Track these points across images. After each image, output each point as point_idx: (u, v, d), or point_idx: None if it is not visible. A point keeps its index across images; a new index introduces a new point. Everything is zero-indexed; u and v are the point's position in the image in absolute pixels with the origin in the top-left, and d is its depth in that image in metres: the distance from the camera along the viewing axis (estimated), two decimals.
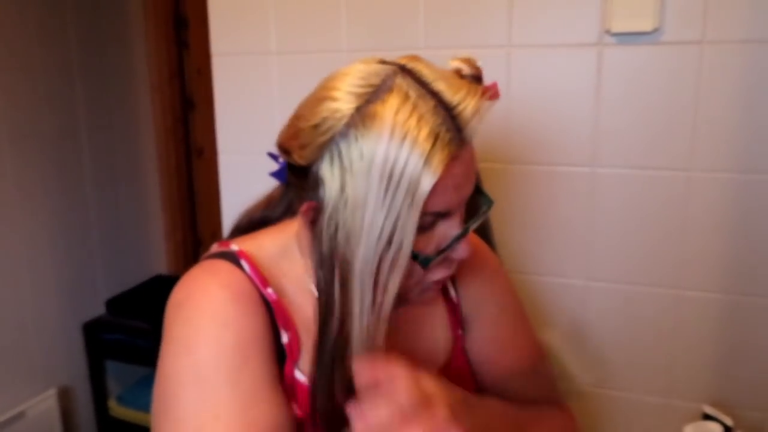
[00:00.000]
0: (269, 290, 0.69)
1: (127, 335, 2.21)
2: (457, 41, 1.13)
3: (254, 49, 1.27)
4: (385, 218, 0.59)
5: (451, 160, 0.60)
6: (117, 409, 2.29)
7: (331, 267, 0.63)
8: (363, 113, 0.60)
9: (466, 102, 0.60)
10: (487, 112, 0.61)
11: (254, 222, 0.79)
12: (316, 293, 0.66)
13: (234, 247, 0.72)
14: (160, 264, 2.57)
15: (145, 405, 2.26)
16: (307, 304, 0.71)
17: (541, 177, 1.13)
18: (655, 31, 1.02)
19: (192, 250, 2.59)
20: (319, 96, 0.63)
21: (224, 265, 0.69)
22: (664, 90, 1.05)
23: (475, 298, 0.83)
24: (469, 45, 1.12)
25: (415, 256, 0.62)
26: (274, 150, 0.71)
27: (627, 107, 1.07)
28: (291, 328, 0.69)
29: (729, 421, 1.05)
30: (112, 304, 2.28)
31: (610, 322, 1.16)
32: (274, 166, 0.72)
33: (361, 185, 0.59)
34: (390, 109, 0.59)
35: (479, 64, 0.66)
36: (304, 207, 0.64)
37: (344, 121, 0.60)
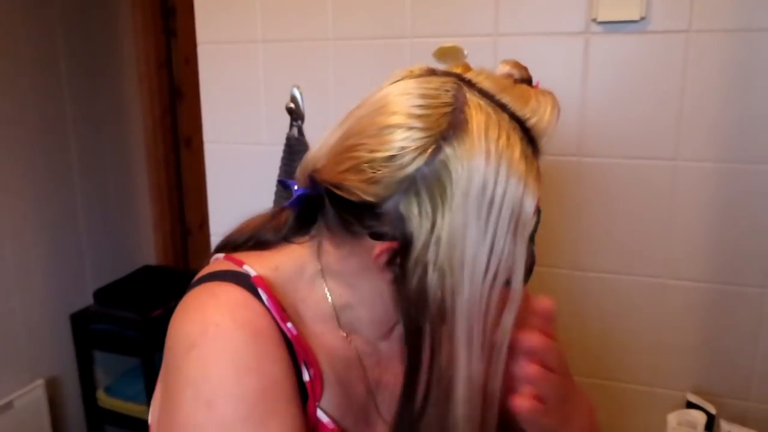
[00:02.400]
0: (289, 325, 0.61)
1: (115, 325, 2.20)
2: (444, 30, 1.12)
3: (240, 37, 1.26)
4: (491, 251, 0.54)
5: (538, 178, 0.56)
6: (105, 400, 2.29)
7: (423, 311, 0.56)
8: (449, 138, 0.53)
9: (539, 113, 0.57)
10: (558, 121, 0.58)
11: (254, 241, 0.69)
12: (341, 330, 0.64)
13: (249, 270, 0.63)
14: (148, 254, 2.56)
15: (133, 395, 2.26)
16: (328, 332, 0.65)
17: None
18: (642, 20, 1.02)
19: (180, 240, 2.58)
20: (382, 122, 0.56)
21: (239, 295, 0.60)
22: (650, 79, 1.05)
23: None
24: (456, 33, 1.12)
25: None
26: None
27: (613, 96, 1.07)
28: (313, 364, 0.62)
29: (712, 409, 1.06)
30: (100, 294, 2.27)
31: (595, 311, 1.16)
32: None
33: (458, 219, 0.53)
34: (478, 130, 0.53)
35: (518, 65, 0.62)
36: (378, 249, 0.57)
37: (429, 150, 0.53)
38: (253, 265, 0.63)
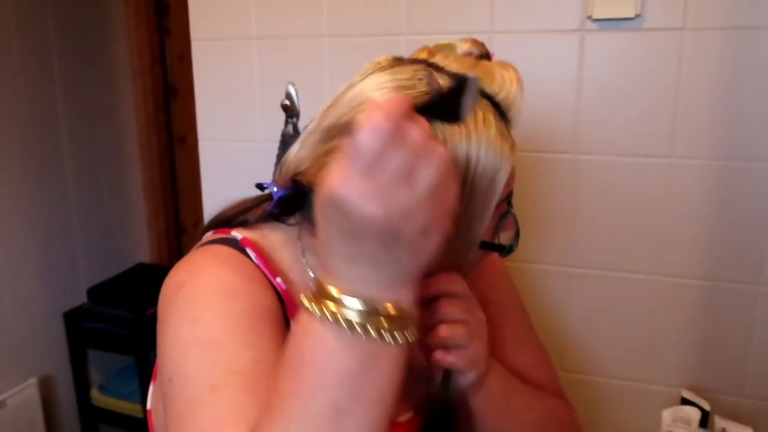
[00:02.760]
0: (278, 279, 0.63)
1: (109, 324, 2.19)
2: (439, 27, 1.12)
3: (234, 34, 1.26)
4: (462, 217, 0.57)
5: (513, 148, 0.59)
6: (99, 398, 2.28)
7: None
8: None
9: (506, 88, 0.59)
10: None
11: (241, 219, 0.70)
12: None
13: (236, 234, 0.65)
14: (142, 252, 2.55)
15: (127, 394, 2.25)
16: None
17: (523, 163, 1.13)
18: (637, 17, 1.02)
19: (174, 238, 2.57)
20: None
21: (228, 250, 0.63)
22: (645, 76, 1.05)
23: (479, 297, 0.79)
24: (452, 31, 1.11)
25: (488, 245, 0.62)
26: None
27: (608, 93, 1.07)
28: None
29: (706, 406, 1.06)
30: (94, 292, 2.26)
31: (590, 307, 1.16)
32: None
33: None
34: None
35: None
36: None
37: None
38: (240, 232, 0.66)
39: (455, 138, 0.56)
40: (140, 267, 2.48)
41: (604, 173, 1.10)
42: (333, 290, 0.44)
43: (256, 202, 0.71)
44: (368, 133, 0.40)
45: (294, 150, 0.63)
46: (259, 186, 0.69)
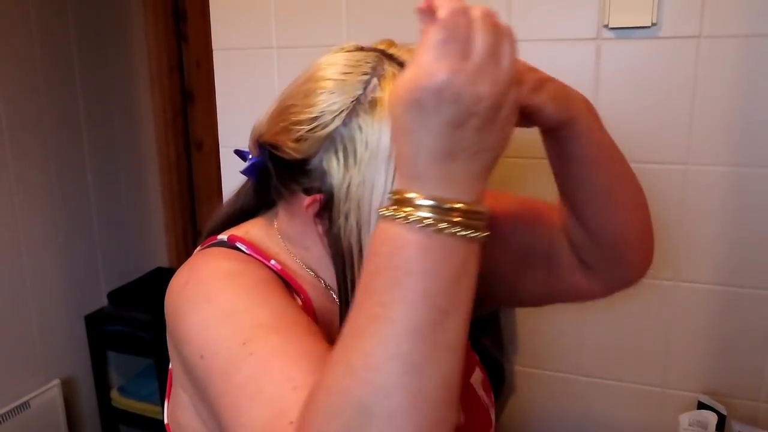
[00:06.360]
0: (272, 262, 0.67)
1: (129, 327, 2.22)
2: None
3: (255, 43, 1.28)
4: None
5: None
6: (119, 400, 2.32)
7: (349, 252, 0.63)
8: (363, 102, 0.60)
9: None
10: None
11: (231, 219, 0.76)
12: (314, 275, 0.68)
13: (221, 237, 0.70)
14: (160, 256, 2.58)
15: (146, 395, 2.28)
16: (306, 279, 0.69)
17: (537, 170, 1.14)
18: (653, 25, 1.03)
19: (192, 242, 2.60)
20: (310, 88, 0.63)
21: (219, 249, 0.67)
22: (661, 84, 1.06)
23: None
24: None
25: None
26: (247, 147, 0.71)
27: (625, 101, 1.08)
28: (302, 291, 0.67)
29: (723, 410, 1.07)
30: (114, 296, 2.30)
31: (607, 312, 1.17)
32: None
33: (370, 173, 0.59)
34: (390, 96, 0.58)
35: None
36: (307, 201, 0.63)
37: (345, 112, 0.60)
38: (224, 234, 0.70)
39: (381, 119, 0.59)
40: (159, 271, 2.52)
41: None
42: (416, 197, 0.44)
43: (233, 199, 0.77)
44: (456, 14, 0.43)
45: (261, 116, 0.69)
46: (238, 152, 0.73)
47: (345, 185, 0.61)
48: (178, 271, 0.66)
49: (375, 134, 0.59)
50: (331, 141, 0.61)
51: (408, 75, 0.44)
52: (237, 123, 1.34)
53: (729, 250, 1.08)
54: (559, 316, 1.19)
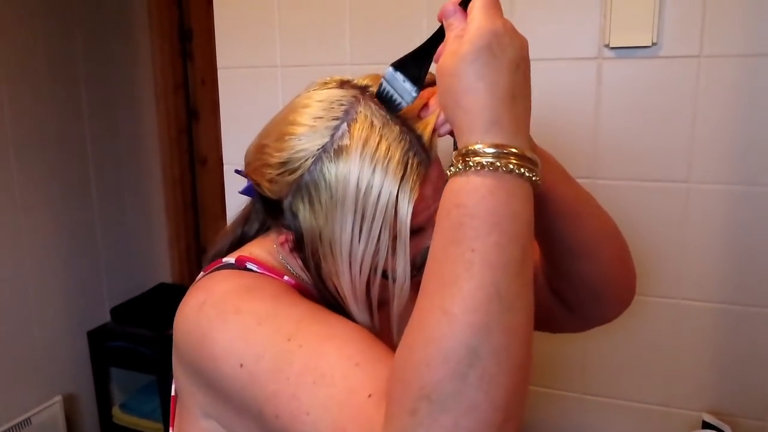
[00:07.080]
0: (286, 278, 0.67)
1: (132, 343, 2.22)
2: None
3: (259, 62, 1.29)
4: (366, 246, 0.59)
5: (422, 184, 0.60)
6: (120, 416, 2.31)
7: (326, 288, 0.64)
8: (329, 150, 0.59)
9: (427, 124, 0.60)
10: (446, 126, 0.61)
11: (234, 243, 0.76)
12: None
13: (227, 259, 0.69)
14: (164, 272, 2.59)
15: (148, 412, 2.27)
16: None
17: None
18: (654, 45, 1.04)
19: (195, 258, 2.60)
20: (282, 131, 0.63)
21: (230, 272, 0.66)
22: (662, 103, 1.06)
23: None
24: None
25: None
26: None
27: (626, 119, 1.09)
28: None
29: (728, 430, 1.06)
30: (117, 311, 2.30)
31: (611, 331, 1.17)
32: None
33: (336, 219, 0.59)
34: (357, 142, 0.59)
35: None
36: (281, 238, 0.65)
37: (311, 160, 0.60)
38: (230, 257, 0.69)
39: (347, 167, 0.59)
40: (162, 287, 2.52)
41: (623, 198, 1.11)
42: (483, 146, 0.48)
43: (237, 221, 0.77)
44: None
45: (249, 145, 0.69)
46: (239, 172, 0.74)
47: (316, 230, 0.61)
48: (187, 295, 0.65)
49: (341, 184, 0.59)
50: (297, 187, 0.61)
51: (471, 32, 0.50)
52: (241, 140, 1.34)
53: (732, 268, 1.08)
54: (564, 335, 1.19)
